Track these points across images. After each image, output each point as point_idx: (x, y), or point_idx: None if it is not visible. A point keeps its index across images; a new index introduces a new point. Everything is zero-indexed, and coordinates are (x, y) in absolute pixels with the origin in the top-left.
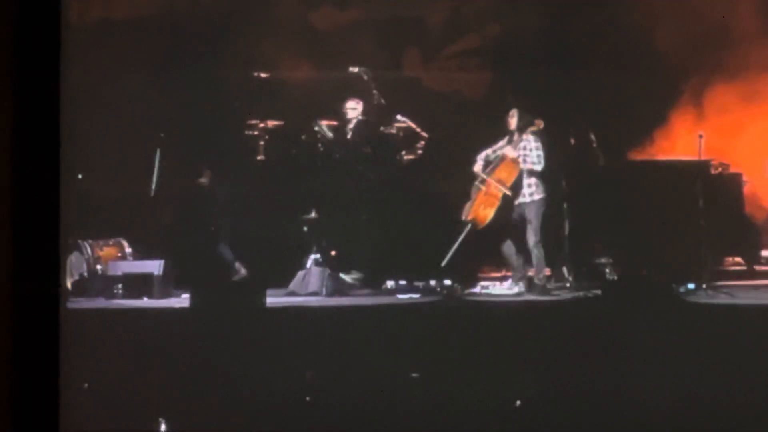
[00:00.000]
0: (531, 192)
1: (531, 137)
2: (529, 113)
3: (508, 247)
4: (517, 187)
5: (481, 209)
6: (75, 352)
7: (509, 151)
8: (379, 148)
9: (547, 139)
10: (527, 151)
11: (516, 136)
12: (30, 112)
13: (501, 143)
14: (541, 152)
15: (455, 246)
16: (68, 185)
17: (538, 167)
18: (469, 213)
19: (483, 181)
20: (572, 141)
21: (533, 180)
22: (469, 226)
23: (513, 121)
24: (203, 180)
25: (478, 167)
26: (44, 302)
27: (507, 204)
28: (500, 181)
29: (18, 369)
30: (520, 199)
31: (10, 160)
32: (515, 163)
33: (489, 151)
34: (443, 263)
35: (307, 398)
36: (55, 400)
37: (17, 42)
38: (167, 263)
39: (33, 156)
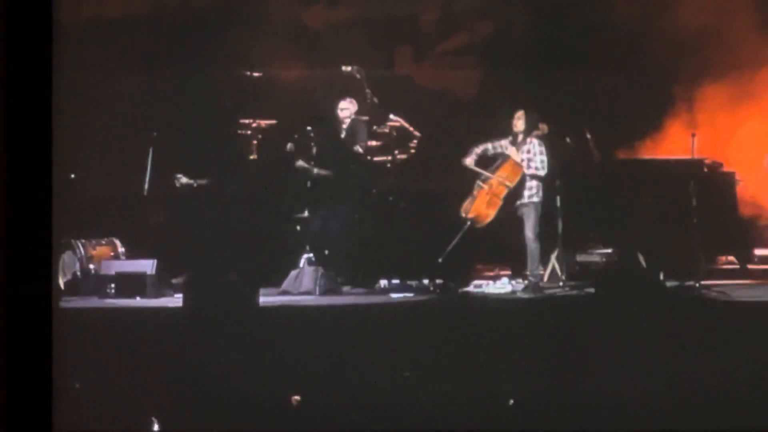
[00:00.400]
0: (531, 195)
1: (535, 141)
2: (534, 116)
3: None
4: (519, 189)
5: (483, 208)
6: (68, 352)
7: (514, 154)
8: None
9: (543, 137)
10: (531, 155)
11: (520, 139)
12: (22, 111)
13: (503, 142)
14: (545, 157)
15: (454, 242)
16: (61, 185)
17: (542, 173)
18: (470, 211)
19: (486, 180)
20: (567, 139)
21: (534, 183)
22: (469, 223)
23: (519, 123)
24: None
25: (470, 160)
26: (37, 302)
27: (508, 205)
28: (503, 182)
29: (11, 369)
30: (519, 201)
31: (2, 160)
32: (519, 166)
33: (489, 145)
34: (440, 259)
35: (298, 397)
36: (48, 400)
37: (9, 41)
38: (160, 263)
39: (25, 155)
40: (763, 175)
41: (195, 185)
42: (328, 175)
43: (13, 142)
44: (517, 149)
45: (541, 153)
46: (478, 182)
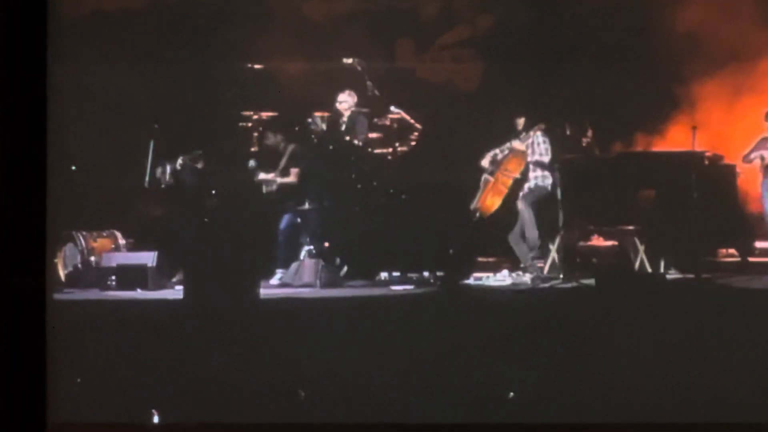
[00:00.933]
0: (535, 185)
1: (539, 133)
2: (536, 117)
3: (514, 237)
4: (524, 180)
5: (489, 198)
6: (68, 344)
7: (517, 144)
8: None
9: (527, 126)
10: (535, 145)
11: (522, 135)
12: (18, 104)
13: (508, 144)
14: (548, 146)
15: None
16: (62, 177)
17: (546, 158)
18: (476, 202)
19: (492, 173)
20: (567, 132)
21: (539, 172)
22: (477, 215)
23: (521, 122)
24: (197, 166)
25: (485, 162)
26: (31, 294)
27: (514, 193)
28: (507, 171)
29: (5, 361)
30: (524, 191)
31: None
32: (523, 156)
33: (497, 150)
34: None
35: (301, 392)
36: (42, 392)
37: (5, 33)
38: (161, 255)
39: (20, 148)
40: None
41: (197, 167)
42: (293, 183)
43: (8, 134)
44: (521, 141)
45: (544, 142)
46: (485, 176)
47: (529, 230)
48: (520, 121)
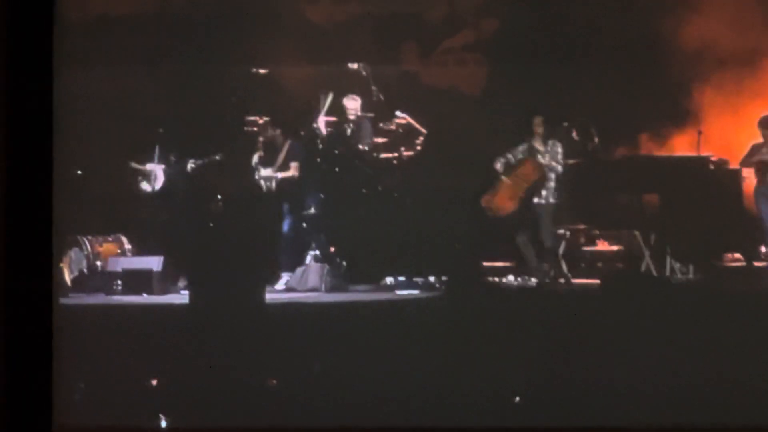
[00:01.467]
0: (547, 194)
1: (558, 143)
2: (552, 119)
3: (522, 239)
4: (539, 186)
5: (503, 199)
6: (74, 348)
7: (537, 144)
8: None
9: (546, 132)
10: (551, 151)
11: (541, 147)
12: (24, 108)
13: (521, 148)
14: (562, 151)
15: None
16: (67, 181)
17: (560, 167)
18: (490, 201)
19: (509, 176)
20: (573, 136)
21: (552, 184)
22: (489, 213)
23: (540, 129)
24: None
25: (499, 166)
26: (38, 298)
27: (526, 201)
28: (524, 175)
29: (12, 365)
30: (537, 200)
31: (3, 157)
32: (539, 165)
33: (509, 155)
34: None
35: (305, 395)
36: (48, 396)
37: (11, 36)
38: (167, 259)
39: (26, 152)
40: None
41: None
42: (294, 177)
43: (14, 139)
44: (539, 144)
45: (560, 151)
46: (501, 177)
47: (546, 230)
48: (538, 129)
